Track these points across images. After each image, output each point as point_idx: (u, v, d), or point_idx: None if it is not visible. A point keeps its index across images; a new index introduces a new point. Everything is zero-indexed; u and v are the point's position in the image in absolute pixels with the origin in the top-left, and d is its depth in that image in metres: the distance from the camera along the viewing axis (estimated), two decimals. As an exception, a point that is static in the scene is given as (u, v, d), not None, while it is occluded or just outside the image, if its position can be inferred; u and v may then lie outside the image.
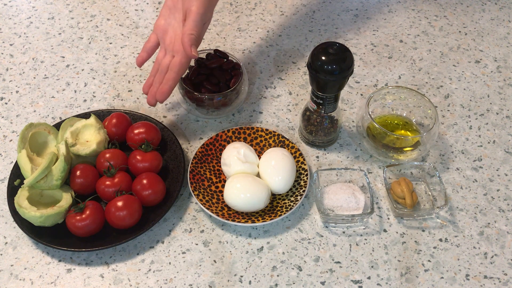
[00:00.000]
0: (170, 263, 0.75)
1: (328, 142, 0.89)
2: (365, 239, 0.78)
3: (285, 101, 0.96)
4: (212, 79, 0.89)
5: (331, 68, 0.75)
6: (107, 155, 0.80)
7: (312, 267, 0.75)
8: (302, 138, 0.90)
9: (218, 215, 0.77)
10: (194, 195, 0.79)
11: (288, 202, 0.80)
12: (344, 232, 0.79)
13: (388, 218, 0.80)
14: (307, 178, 0.82)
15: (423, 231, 0.79)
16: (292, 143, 0.86)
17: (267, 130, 0.88)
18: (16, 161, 0.81)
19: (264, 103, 0.96)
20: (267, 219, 0.77)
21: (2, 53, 1.04)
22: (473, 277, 0.74)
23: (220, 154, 0.86)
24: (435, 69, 1.03)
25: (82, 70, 1.01)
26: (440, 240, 0.78)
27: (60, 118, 0.93)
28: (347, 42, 1.07)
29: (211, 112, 0.91)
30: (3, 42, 1.07)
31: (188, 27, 0.81)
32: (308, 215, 0.81)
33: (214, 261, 0.76)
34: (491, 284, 0.74)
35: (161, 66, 0.86)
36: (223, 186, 0.83)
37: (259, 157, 0.84)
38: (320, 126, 0.86)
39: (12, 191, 0.79)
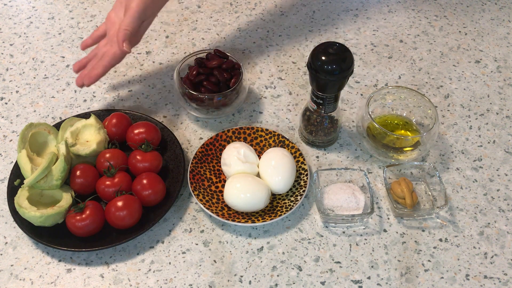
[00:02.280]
0: (170, 263, 0.75)
1: (328, 142, 0.89)
2: (365, 239, 0.78)
3: (285, 101, 0.96)
4: (212, 79, 0.89)
5: (331, 68, 0.75)
6: (107, 155, 0.80)
7: (312, 267, 0.75)
8: (302, 138, 0.90)
9: (218, 215, 0.77)
10: (194, 195, 0.79)
11: (288, 202, 0.80)
12: (344, 232, 0.79)
13: (388, 218, 0.80)
14: (307, 178, 0.82)
15: (423, 231, 0.79)
16: (292, 143, 0.86)
17: (267, 130, 0.88)
18: (16, 161, 0.81)
19: (264, 103, 0.96)
20: (267, 219, 0.77)
21: (2, 53, 1.04)
22: (473, 277, 0.74)
23: (220, 154, 0.86)
24: (435, 69, 1.03)
25: (82, 70, 1.01)
26: (440, 240, 0.78)
27: (60, 118, 0.93)
28: (347, 42, 1.07)
29: (211, 112, 0.91)
30: (3, 42, 1.07)
31: (124, 23, 0.84)
32: (308, 215, 0.81)
33: (214, 261, 0.76)
34: (491, 284, 0.74)
35: (99, 52, 0.89)
36: (223, 186, 0.83)
37: (259, 157, 0.84)
38: (320, 126, 0.86)
39: (12, 191, 0.79)
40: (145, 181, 0.78)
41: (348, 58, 0.76)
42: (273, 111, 0.95)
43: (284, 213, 0.77)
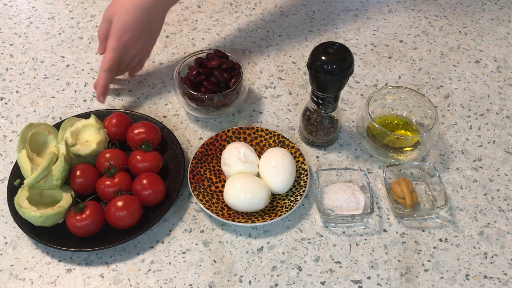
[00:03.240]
0: (170, 263, 0.75)
1: (328, 142, 0.89)
2: (365, 239, 0.78)
3: (285, 101, 0.96)
4: (212, 79, 0.89)
5: (331, 68, 0.75)
6: (107, 155, 0.80)
7: (312, 267, 0.75)
8: (302, 138, 0.90)
9: (218, 215, 0.77)
10: (194, 195, 0.79)
11: (288, 202, 0.80)
12: (344, 232, 0.79)
13: (388, 218, 0.80)
14: (307, 178, 0.82)
15: (423, 231, 0.79)
16: (292, 143, 0.86)
17: (267, 130, 0.88)
18: (16, 161, 0.81)
19: (264, 103, 0.96)
20: (267, 219, 0.77)
21: (2, 53, 1.04)
22: (473, 277, 0.74)
23: (220, 154, 0.86)
24: (435, 69, 1.03)
25: (82, 70, 1.01)
26: (440, 240, 0.78)
27: (60, 118, 0.93)
28: (347, 42, 1.07)
29: (211, 112, 0.91)
30: (3, 42, 1.07)
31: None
32: (308, 215, 0.81)
33: (214, 261, 0.76)
34: (491, 284, 0.74)
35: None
36: (223, 186, 0.83)
37: (259, 157, 0.84)
38: (320, 126, 0.86)
39: (12, 191, 0.79)
40: (145, 181, 0.78)
41: (348, 58, 0.76)
42: (273, 111, 0.95)
43: (284, 213, 0.77)
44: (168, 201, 0.79)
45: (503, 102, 0.97)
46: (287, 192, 0.82)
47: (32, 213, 0.73)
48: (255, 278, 0.74)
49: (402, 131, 0.88)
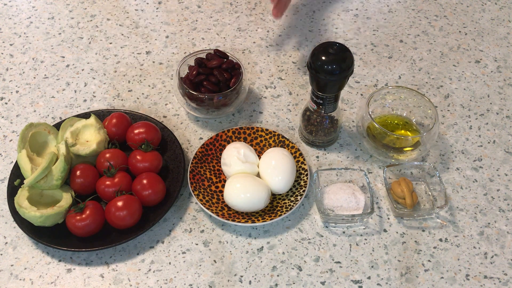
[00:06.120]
0: (170, 263, 0.75)
1: (328, 142, 0.89)
2: (365, 239, 0.78)
3: (285, 101, 0.96)
4: (212, 79, 0.89)
5: (331, 68, 0.75)
6: (107, 155, 0.81)
7: (312, 267, 0.75)
8: (302, 138, 0.90)
9: (218, 215, 0.77)
10: (194, 195, 0.79)
11: (288, 202, 0.80)
12: (344, 232, 0.79)
13: (388, 218, 0.80)
14: (307, 178, 0.82)
15: (423, 231, 0.79)
16: (292, 143, 0.86)
17: (267, 130, 0.88)
18: (16, 161, 0.81)
19: (264, 103, 0.96)
20: (267, 219, 0.77)
21: (2, 53, 1.04)
22: (473, 277, 0.74)
23: (220, 154, 0.86)
24: (435, 69, 1.03)
25: (82, 70, 1.01)
26: (440, 240, 0.78)
27: (60, 118, 0.93)
28: (347, 42, 1.07)
29: (211, 112, 0.91)
30: (3, 42, 1.07)
31: None
32: (308, 215, 0.81)
33: (214, 261, 0.76)
34: (491, 284, 0.74)
35: None
36: (223, 186, 0.83)
37: (259, 157, 0.84)
38: (320, 126, 0.86)
39: (12, 191, 0.79)
40: (145, 181, 0.78)
41: (348, 58, 0.76)
42: (273, 111, 0.95)
43: (284, 213, 0.77)
44: (168, 201, 0.79)
45: (503, 102, 0.97)
46: (287, 192, 0.82)
47: (32, 213, 0.73)
48: (255, 278, 0.74)
49: (402, 131, 0.88)
